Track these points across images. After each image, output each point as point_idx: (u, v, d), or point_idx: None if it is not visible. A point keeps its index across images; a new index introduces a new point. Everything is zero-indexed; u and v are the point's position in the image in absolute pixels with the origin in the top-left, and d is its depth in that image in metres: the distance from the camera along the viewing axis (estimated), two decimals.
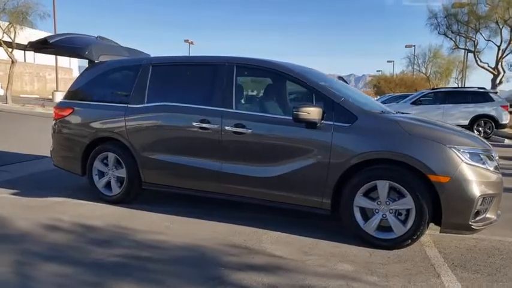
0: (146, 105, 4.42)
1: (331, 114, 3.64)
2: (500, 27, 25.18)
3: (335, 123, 3.61)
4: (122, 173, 4.55)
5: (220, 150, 4.03)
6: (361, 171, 3.53)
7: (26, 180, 5.68)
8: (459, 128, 4.08)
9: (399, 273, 3.02)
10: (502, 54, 24.79)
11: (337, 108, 3.66)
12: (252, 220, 4.12)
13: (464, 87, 16.11)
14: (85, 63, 5.18)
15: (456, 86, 35.48)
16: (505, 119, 14.99)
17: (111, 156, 4.60)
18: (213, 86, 4.19)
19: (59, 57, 21.40)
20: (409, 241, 3.43)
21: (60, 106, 5.04)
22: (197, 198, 4.68)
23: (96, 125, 4.67)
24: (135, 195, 4.60)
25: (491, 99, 15.20)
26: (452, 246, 3.64)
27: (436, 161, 3.29)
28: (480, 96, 15.34)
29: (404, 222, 3.43)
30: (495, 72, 25.07)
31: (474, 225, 3.32)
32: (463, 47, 27.66)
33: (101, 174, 4.71)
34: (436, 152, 3.32)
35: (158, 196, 4.94)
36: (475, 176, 3.29)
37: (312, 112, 3.52)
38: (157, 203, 4.66)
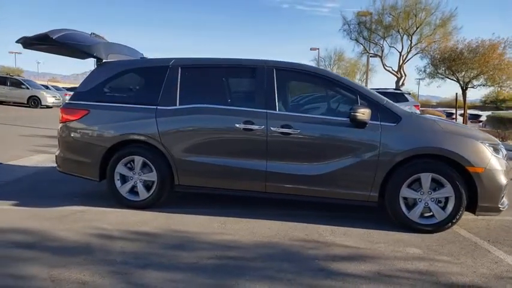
0: (181, 107, 4.35)
1: (377, 115, 4.02)
2: (401, 35, 28.28)
3: (382, 123, 4.00)
4: (151, 176, 4.41)
5: (265, 150, 4.16)
6: (406, 165, 3.95)
7: (10, 190, 5.12)
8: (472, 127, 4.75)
9: (460, 252, 3.51)
10: (404, 60, 27.87)
11: (383, 109, 4.06)
12: (291, 216, 4.32)
13: (385, 89, 17.86)
14: None
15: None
16: None
17: (138, 159, 4.41)
18: (255, 89, 4.30)
19: None
20: (449, 224, 3.95)
21: (69, 108, 4.66)
22: (222, 197, 4.80)
23: (119, 127, 4.44)
24: (165, 198, 4.49)
25: (406, 100, 17.14)
26: (474, 227, 4.26)
27: (473, 155, 3.86)
28: (397, 97, 17.21)
29: (443, 208, 3.94)
30: (398, 75, 28.07)
31: (501, 207, 3.96)
32: (372, 52, 30.47)
33: (123, 178, 4.50)
34: (472, 147, 3.89)
35: (179, 198, 4.86)
36: (500, 166, 3.93)
37: (366, 113, 3.87)
38: (184, 205, 4.60)
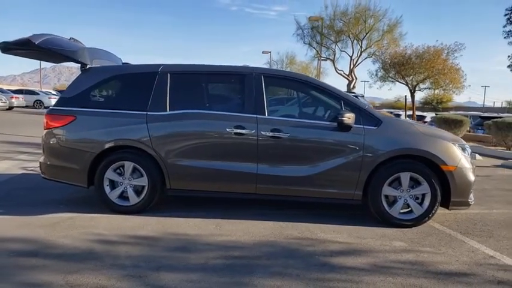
0: (172, 112, 4.43)
1: (360, 119, 4.33)
2: (352, 40, 29.49)
3: (365, 127, 4.32)
4: (142, 181, 4.45)
5: (256, 154, 4.34)
6: (387, 165, 4.29)
7: None
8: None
9: (440, 243, 3.89)
10: (355, 63, 29.10)
11: (365, 114, 4.38)
12: (281, 216, 4.55)
13: None
14: None
15: None
16: None
17: (129, 165, 4.44)
18: (245, 94, 4.46)
19: None
20: (426, 218, 4.34)
21: (55, 114, 4.58)
22: (208, 200, 4.99)
23: (108, 133, 4.44)
24: (156, 202, 4.55)
25: None
26: (445, 220, 4.69)
27: (446, 154, 4.27)
28: None
29: (421, 204, 4.33)
30: (349, 78, 29.24)
31: (470, 202, 4.41)
32: (324, 56, 31.52)
33: (112, 184, 4.51)
34: (445, 147, 4.31)
35: (167, 202, 4.92)
36: (468, 164, 4.37)
37: (352, 117, 4.17)
38: (174, 209, 4.67)
